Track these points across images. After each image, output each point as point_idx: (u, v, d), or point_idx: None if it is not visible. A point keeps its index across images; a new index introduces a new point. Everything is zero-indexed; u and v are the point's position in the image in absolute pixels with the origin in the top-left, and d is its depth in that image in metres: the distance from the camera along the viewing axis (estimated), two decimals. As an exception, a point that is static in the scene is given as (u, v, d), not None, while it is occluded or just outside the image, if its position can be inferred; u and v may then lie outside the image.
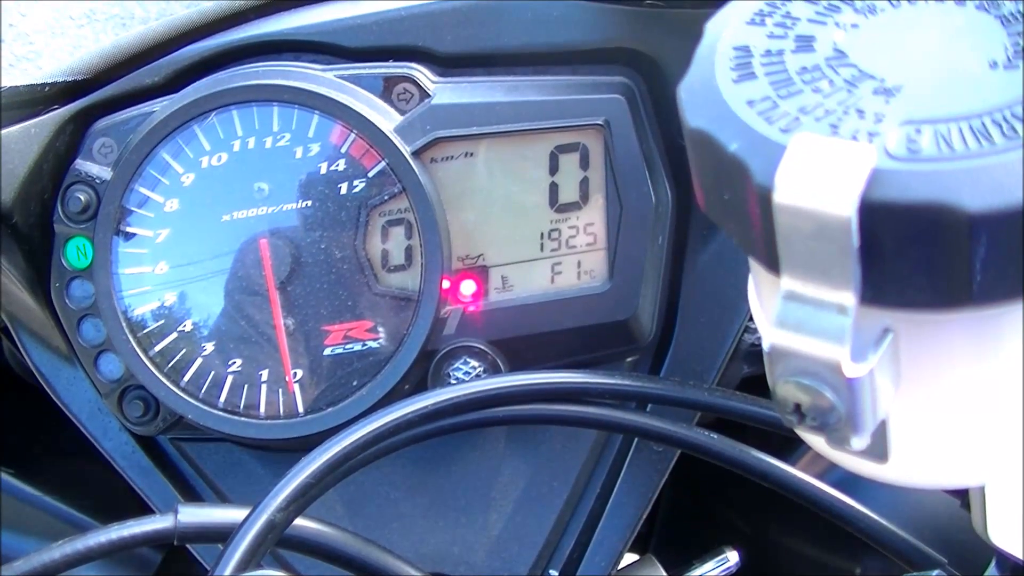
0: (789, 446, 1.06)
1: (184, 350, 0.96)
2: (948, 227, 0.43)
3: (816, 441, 0.56)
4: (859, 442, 0.50)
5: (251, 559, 0.76)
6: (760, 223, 0.47)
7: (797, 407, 0.49)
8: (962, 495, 0.74)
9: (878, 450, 0.53)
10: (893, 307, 0.47)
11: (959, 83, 0.47)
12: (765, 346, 0.49)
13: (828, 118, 0.47)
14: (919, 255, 0.44)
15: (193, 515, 0.82)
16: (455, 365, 0.95)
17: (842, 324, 0.46)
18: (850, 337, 0.46)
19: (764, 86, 0.49)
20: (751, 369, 1.06)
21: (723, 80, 0.50)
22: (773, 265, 0.48)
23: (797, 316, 0.47)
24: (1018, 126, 0.44)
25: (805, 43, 0.51)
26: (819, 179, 0.44)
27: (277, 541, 0.80)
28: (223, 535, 0.78)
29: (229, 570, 0.75)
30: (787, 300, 0.47)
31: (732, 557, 1.05)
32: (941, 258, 0.44)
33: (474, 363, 0.94)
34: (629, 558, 1.06)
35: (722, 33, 0.52)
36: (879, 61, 0.49)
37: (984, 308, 0.46)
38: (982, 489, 0.65)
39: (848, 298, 0.46)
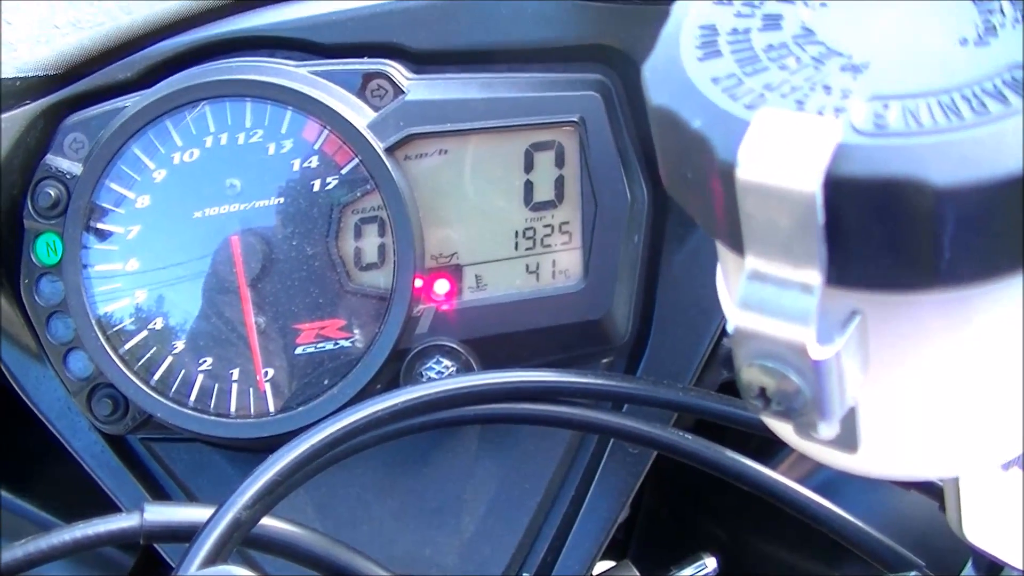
0: (768, 450, 1.05)
1: (154, 348, 0.95)
2: (915, 203, 0.42)
3: (785, 431, 0.55)
4: (827, 429, 0.48)
5: (216, 557, 0.74)
6: (723, 201, 0.46)
7: (762, 391, 0.48)
8: (940, 497, 0.73)
9: (847, 439, 0.52)
10: (860, 288, 0.46)
11: (928, 59, 0.46)
12: (729, 329, 0.47)
13: (794, 94, 0.46)
14: (886, 232, 0.43)
15: (159, 513, 0.81)
16: (428, 364, 0.94)
17: (807, 304, 0.45)
18: (815, 318, 0.45)
19: (730, 64, 0.48)
20: (731, 374, 1.05)
21: (688, 58, 0.49)
22: (737, 245, 0.47)
23: (761, 297, 0.46)
24: (988, 101, 0.43)
25: (772, 21, 0.50)
26: (783, 154, 0.43)
27: (244, 540, 0.79)
28: (189, 534, 0.77)
29: (193, 568, 0.73)
30: (751, 280, 0.46)
31: (710, 563, 1.04)
32: (908, 235, 0.43)
33: (447, 362, 0.94)
34: (606, 566, 1.05)
35: (688, 12, 0.51)
36: (847, 38, 0.48)
37: (954, 289, 0.45)
38: (956, 484, 0.64)
39: (813, 277, 0.45)
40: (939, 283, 0.44)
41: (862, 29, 0.48)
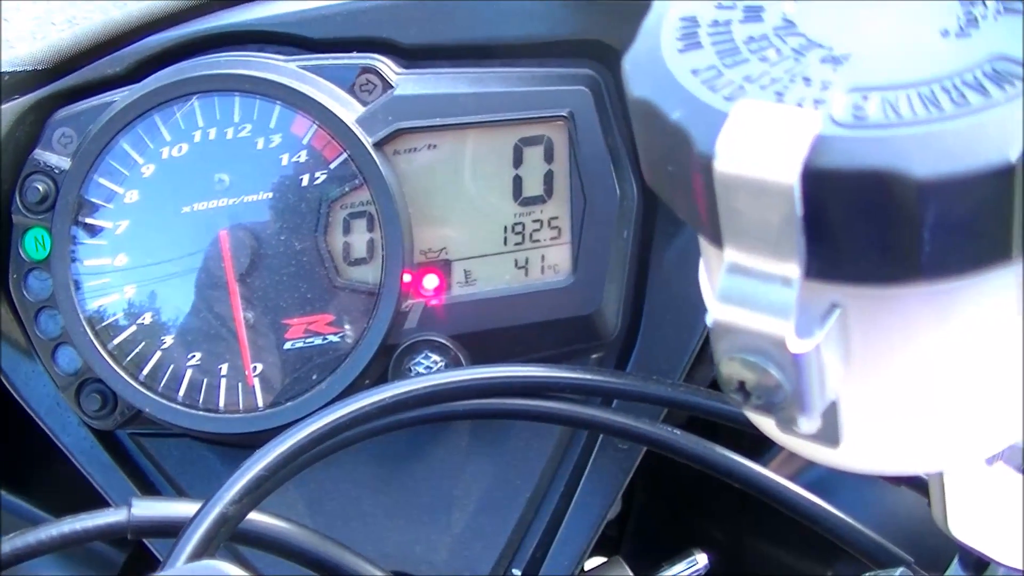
0: (760, 448, 1.04)
1: (143, 343, 0.95)
2: (895, 195, 0.42)
3: (768, 425, 0.54)
4: (808, 424, 0.48)
5: (203, 552, 0.74)
6: (703, 194, 0.46)
7: (742, 385, 0.47)
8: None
9: (829, 433, 0.51)
10: (840, 281, 0.45)
11: (909, 51, 0.46)
12: (709, 322, 0.47)
13: (774, 86, 0.46)
14: (865, 225, 0.43)
15: (147, 508, 0.81)
16: (416, 359, 0.93)
17: (786, 297, 0.45)
18: (795, 311, 0.45)
19: (710, 55, 0.48)
20: (721, 369, 1.05)
21: (668, 50, 0.49)
22: (717, 238, 0.46)
23: (741, 290, 0.46)
24: (968, 93, 0.43)
25: (753, 13, 0.50)
26: (761, 145, 0.43)
27: (234, 536, 0.79)
28: (176, 528, 0.77)
29: (180, 563, 0.73)
30: (730, 273, 0.46)
31: (701, 559, 1.04)
32: (888, 228, 0.43)
33: (436, 357, 0.93)
34: (598, 562, 1.05)
35: (670, 4, 0.51)
36: (828, 30, 0.48)
37: (935, 282, 0.45)
38: (941, 479, 0.63)
39: (792, 270, 0.44)
40: (920, 276, 0.44)
41: (843, 21, 0.48)
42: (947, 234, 0.43)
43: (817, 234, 0.44)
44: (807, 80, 0.45)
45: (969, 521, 0.63)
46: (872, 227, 0.43)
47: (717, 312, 0.46)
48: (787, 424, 0.48)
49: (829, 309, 0.47)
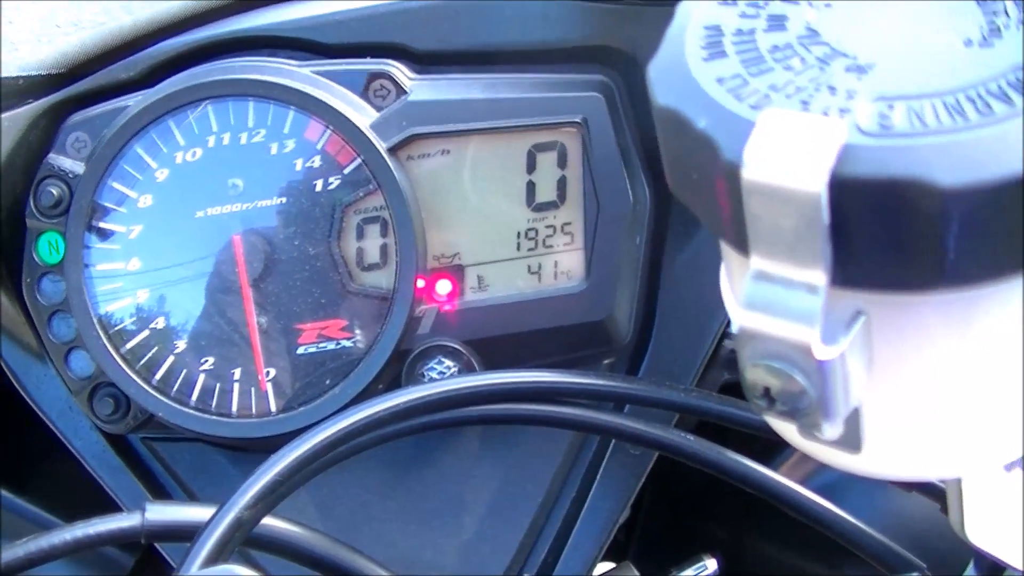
0: (771, 452, 1.05)
1: (156, 347, 0.95)
2: (920, 203, 0.42)
3: (788, 431, 0.55)
4: (831, 430, 0.48)
5: (218, 557, 0.74)
6: (729, 202, 0.46)
7: (766, 391, 0.48)
8: (941, 499, 0.73)
9: (851, 439, 0.51)
10: (865, 288, 0.46)
11: (933, 60, 0.46)
12: (734, 328, 0.47)
13: (799, 95, 0.46)
14: (890, 233, 0.43)
15: (160, 513, 0.81)
16: (429, 365, 0.94)
17: (812, 305, 0.45)
18: (820, 318, 0.45)
19: (735, 64, 0.48)
20: (731, 375, 1.05)
21: (693, 58, 0.49)
22: (742, 245, 0.47)
23: (766, 297, 0.46)
24: (992, 102, 0.43)
25: (777, 22, 0.50)
26: (788, 154, 0.43)
27: (245, 540, 0.79)
28: (190, 533, 0.77)
29: (195, 568, 0.73)
30: (756, 280, 0.46)
31: (711, 565, 1.03)
32: (913, 236, 0.43)
33: (449, 363, 0.93)
34: (607, 567, 1.05)
35: (693, 13, 0.51)
36: (852, 39, 0.48)
37: (959, 290, 0.45)
38: (959, 484, 0.64)
39: (818, 277, 0.45)
40: (943, 284, 0.44)
41: (867, 30, 0.48)
42: (971, 242, 0.43)
43: (843, 242, 0.44)
44: (832, 89, 0.46)
45: (986, 527, 0.63)
46: (897, 235, 0.43)
47: (742, 319, 0.47)
48: (810, 430, 0.49)
49: (854, 316, 0.47)
